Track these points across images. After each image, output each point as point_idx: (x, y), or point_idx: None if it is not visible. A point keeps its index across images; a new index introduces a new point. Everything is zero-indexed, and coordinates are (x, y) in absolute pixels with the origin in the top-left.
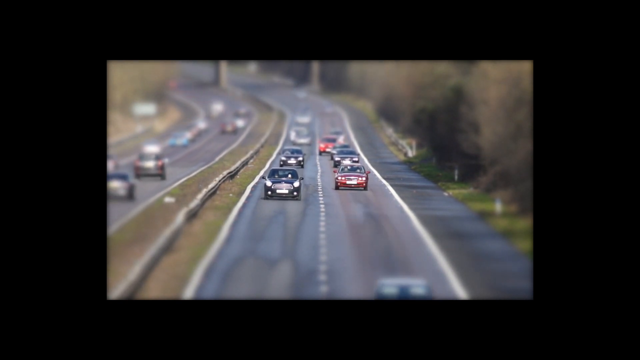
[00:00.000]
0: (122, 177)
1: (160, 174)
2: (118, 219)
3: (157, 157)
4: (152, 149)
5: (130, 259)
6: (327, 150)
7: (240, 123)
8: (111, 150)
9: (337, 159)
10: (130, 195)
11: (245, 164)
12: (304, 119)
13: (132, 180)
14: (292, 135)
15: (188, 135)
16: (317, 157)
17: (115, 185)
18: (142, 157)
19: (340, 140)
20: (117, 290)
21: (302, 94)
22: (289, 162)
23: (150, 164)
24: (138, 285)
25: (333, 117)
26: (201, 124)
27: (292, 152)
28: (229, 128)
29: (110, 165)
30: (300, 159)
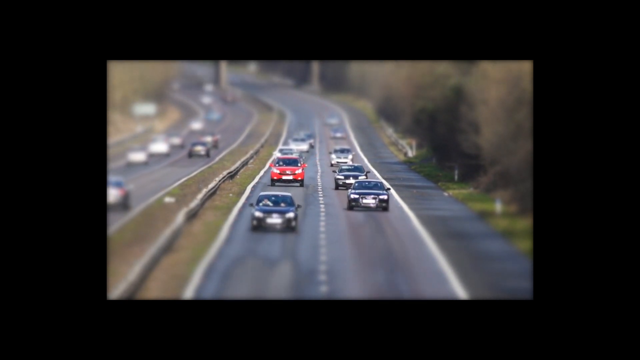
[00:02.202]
0: (203, 144)
1: (215, 146)
2: (118, 219)
3: (213, 134)
4: (197, 125)
5: (130, 259)
6: (286, 178)
7: (232, 95)
8: (111, 150)
9: (353, 196)
10: (208, 154)
11: (245, 164)
12: (301, 147)
13: (208, 145)
14: (276, 155)
15: (218, 113)
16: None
17: (199, 149)
18: (203, 134)
19: (348, 160)
20: (117, 290)
21: (334, 119)
22: (268, 221)
23: (208, 138)
24: (138, 285)
25: (341, 143)
26: (227, 98)
27: (277, 201)
28: (229, 98)
29: (178, 140)
30: (291, 215)
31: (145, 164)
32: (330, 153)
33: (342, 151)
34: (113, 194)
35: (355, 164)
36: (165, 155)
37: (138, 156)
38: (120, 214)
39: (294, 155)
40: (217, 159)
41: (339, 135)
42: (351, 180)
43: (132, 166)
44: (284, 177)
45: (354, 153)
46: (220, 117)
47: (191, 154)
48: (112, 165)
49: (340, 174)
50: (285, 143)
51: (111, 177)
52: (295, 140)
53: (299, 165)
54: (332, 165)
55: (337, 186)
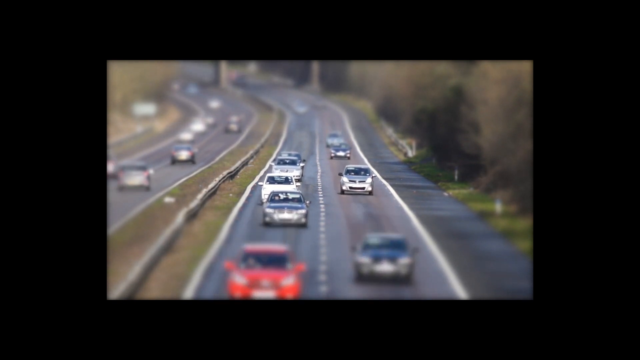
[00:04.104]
0: (235, 122)
1: (240, 126)
2: (118, 219)
3: (237, 115)
4: (215, 104)
5: (130, 259)
6: (261, 296)
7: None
8: (111, 150)
9: None
10: (240, 130)
11: (245, 164)
12: (293, 172)
13: (239, 124)
14: (264, 193)
15: (195, 88)
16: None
17: (233, 126)
18: (232, 115)
19: (367, 185)
20: (117, 290)
21: (336, 139)
22: None
23: (235, 118)
24: (138, 285)
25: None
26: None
27: None
28: (233, 127)
29: (211, 120)
30: None
31: (192, 141)
32: (341, 175)
33: (357, 172)
34: (185, 154)
35: (394, 236)
36: (203, 134)
37: (186, 135)
38: (190, 168)
39: (278, 246)
40: (217, 158)
41: (341, 154)
42: (385, 267)
43: (181, 143)
44: (257, 295)
45: (374, 175)
46: (197, 89)
47: (227, 130)
48: (173, 139)
49: (366, 254)
50: (279, 156)
51: (183, 144)
52: (282, 162)
53: (288, 266)
54: (342, 192)
55: (361, 276)
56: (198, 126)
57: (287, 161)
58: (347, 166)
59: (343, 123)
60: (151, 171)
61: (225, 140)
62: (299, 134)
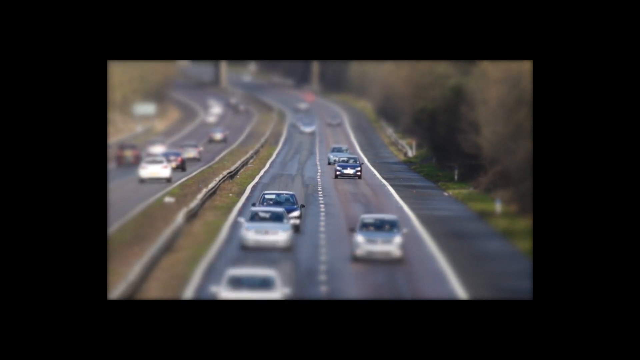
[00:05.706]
0: (240, 102)
1: (245, 105)
2: (118, 219)
3: (243, 99)
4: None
5: (130, 259)
6: None
7: None
8: (111, 150)
9: None
10: (248, 111)
11: (245, 164)
12: (277, 236)
13: (245, 110)
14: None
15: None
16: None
17: (242, 108)
18: (237, 98)
19: (394, 247)
20: (117, 290)
21: (339, 154)
22: None
23: (234, 99)
24: (138, 285)
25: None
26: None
27: None
28: (241, 108)
29: (217, 113)
30: None
31: (216, 125)
32: (354, 231)
33: (380, 225)
34: (219, 135)
35: None
36: (223, 116)
37: (211, 118)
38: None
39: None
40: (217, 158)
41: (349, 171)
42: None
43: (205, 126)
44: None
45: (406, 230)
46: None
47: (236, 112)
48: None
49: None
50: (259, 204)
51: (217, 127)
52: (258, 218)
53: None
54: (355, 258)
55: None
56: (217, 109)
57: (268, 216)
58: (362, 217)
59: (343, 123)
60: (201, 148)
61: (233, 128)
62: (299, 134)
